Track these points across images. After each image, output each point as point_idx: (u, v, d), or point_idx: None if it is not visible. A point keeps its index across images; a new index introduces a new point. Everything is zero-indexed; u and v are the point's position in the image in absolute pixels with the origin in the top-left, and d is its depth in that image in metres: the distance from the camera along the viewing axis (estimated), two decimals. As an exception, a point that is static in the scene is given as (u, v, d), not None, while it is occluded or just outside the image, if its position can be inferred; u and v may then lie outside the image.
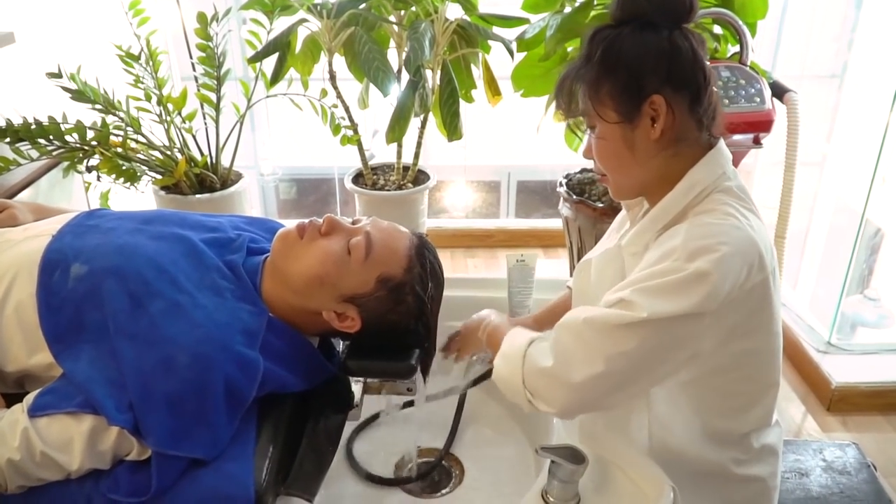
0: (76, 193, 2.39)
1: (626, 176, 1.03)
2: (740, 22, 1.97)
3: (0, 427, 0.92)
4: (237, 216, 1.28)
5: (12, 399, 0.99)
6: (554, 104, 1.09)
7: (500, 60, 2.35)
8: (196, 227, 1.15)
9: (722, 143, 1.02)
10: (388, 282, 1.09)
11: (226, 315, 1.01)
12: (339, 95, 2.38)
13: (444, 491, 1.30)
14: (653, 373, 0.96)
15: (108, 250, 1.04)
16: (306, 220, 1.11)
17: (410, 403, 1.39)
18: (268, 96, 2.43)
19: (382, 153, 2.74)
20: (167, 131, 2.38)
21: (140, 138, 2.31)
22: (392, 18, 2.34)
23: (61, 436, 0.91)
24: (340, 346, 1.27)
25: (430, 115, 2.45)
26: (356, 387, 1.21)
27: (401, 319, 1.12)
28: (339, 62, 2.39)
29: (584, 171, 2.56)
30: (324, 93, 2.36)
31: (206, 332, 0.97)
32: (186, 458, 0.93)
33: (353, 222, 1.14)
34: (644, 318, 0.89)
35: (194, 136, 2.46)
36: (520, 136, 3.22)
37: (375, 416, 1.45)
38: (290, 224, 1.15)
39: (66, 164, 2.23)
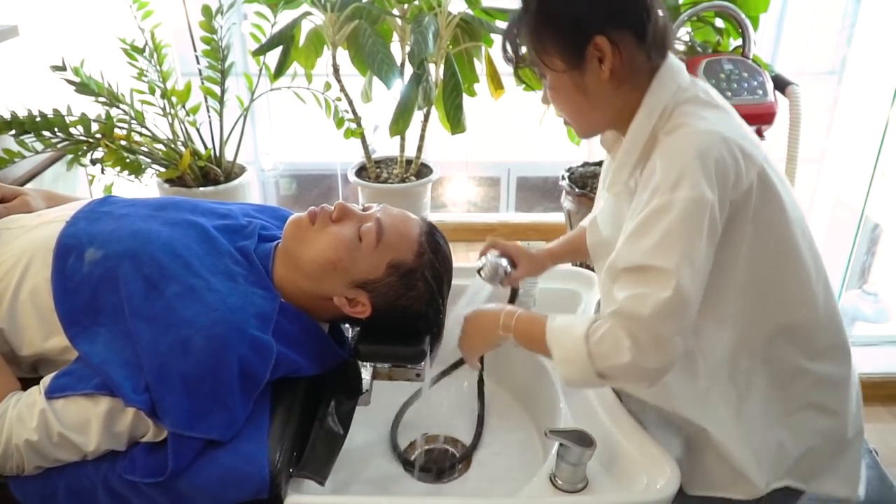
0: (80, 186, 2.40)
1: (586, 119, 1.03)
2: (743, 15, 1.99)
3: (18, 408, 0.93)
4: (247, 204, 1.29)
5: (26, 384, 1.00)
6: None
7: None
8: (208, 214, 1.16)
9: (669, 58, 0.99)
10: (398, 267, 1.10)
11: (239, 299, 1.02)
12: (342, 89, 2.39)
13: (452, 477, 1.31)
14: (704, 287, 0.94)
15: (123, 235, 1.05)
16: (318, 207, 1.12)
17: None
18: (272, 89, 2.43)
19: (384, 147, 2.76)
20: (171, 125, 2.39)
21: (144, 131, 2.31)
22: (395, 12, 2.35)
23: (78, 417, 0.92)
24: (350, 332, 1.28)
25: (433, 109, 2.46)
26: (365, 372, 1.23)
27: (411, 305, 1.13)
28: (342, 56, 2.40)
29: (585, 164, 2.58)
30: (327, 86, 2.37)
31: (221, 315, 0.98)
32: (202, 439, 0.94)
33: (364, 209, 1.15)
34: (671, 271, 0.88)
35: (198, 130, 2.47)
36: (520, 131, 3.23)
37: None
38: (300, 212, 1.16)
39: (69, 156, 2.24)
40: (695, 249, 0.89)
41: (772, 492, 1.08)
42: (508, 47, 1.03)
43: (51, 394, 0.93)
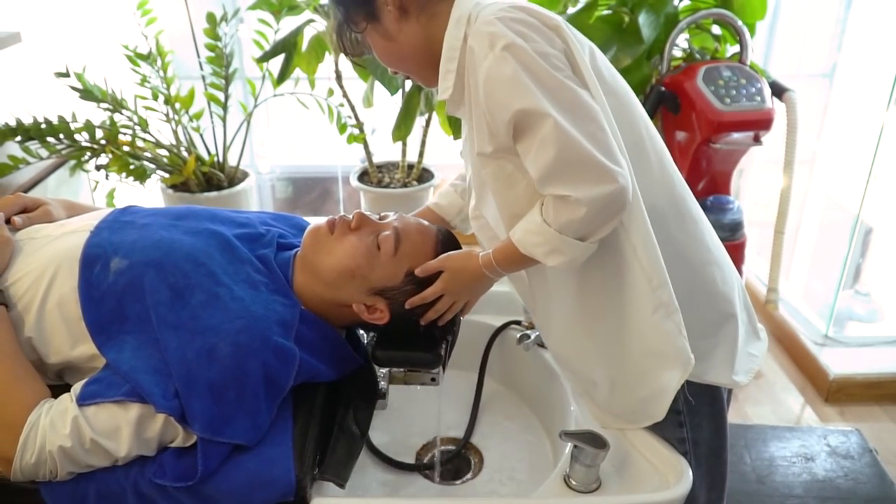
0: (83, 191, 2.41)
1: (410, 62, 1.08)
2: (740, 22, 2.03)
3: (51, 416, 0.95)
4: (264, 212, 1.31)
5: (52, 391, 1.02)
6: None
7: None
8: (227, 223, 1.18)
9: None
10: (416, 275, 1.13)
11: (262, 307, 1.04)
12: (345, 94, 2.42)
13: (465, 478, 1.34)
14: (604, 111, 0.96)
15: (147, 245, 1.07)
16: (336, 216, 1.15)
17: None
18: (275, 95, 2.45)
19: (384, 151, 2.78)
20: (174, 130, 2.40)
21: (148, 137, 2.33)
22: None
23: (109, 423, 0.94)
24: (365, 338, 1.30)
25: (433, 114, 2.49)
26: (381, 377, 1.25)
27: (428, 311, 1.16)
28: (343, 61, 2.42)
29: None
30: (330, 92, 2.40)
31: (246, 322, 1.00)
32: (230, 444, 0.97)
33: (381, 217, 1.17)
34: (538, 109, 0.90)
35: (201, 135, 2.49)
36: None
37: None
38: (317, 220, 1.18)
39: (72, 162, 2.25)
40: (547, 80, 0.91)
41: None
42: (338, 41, 1.11)
43: (82, 401, 0.95)
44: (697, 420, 1.14)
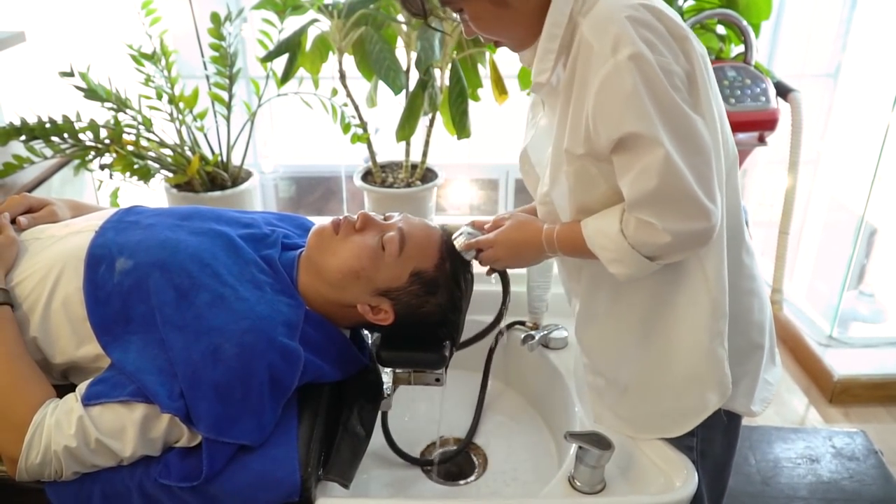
0: (87, 191, 2.41)
1: (516, 30, 1.00)
2: (745, 22, 2.02)
3: (56, 416, 0.95)
4: (268, 213, 1.31)
5: (57, 391, 1.02)
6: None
7: (507, 60, 2.39)
8: (232, 223, 1.18)
9: None
10: (420, 276, 1.13)
11: (267, 308, 1.04)
12: (349, 94, 2.41)
13: (469, 479, 1.34)
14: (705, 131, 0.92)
15: (152, 245, 1.07)
16: (341, 217, 1.15)
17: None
18: (278, 95, 2.45)
19: (387, 151, 2.77)
20: (178, 130, 2.40)
21: (152, 136, 2.33)
22: (400, 18, 2.37)
23: (114, 424, 0.94)
24: (370, 338, 1.30)
25: (437, 114, 2.48)
26: (386, 377, 1.25)
27: (433, 312, 1.16)
28: (347, 61, 2.42)
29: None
30: (334, 92, 2.39)
31: (251, 323, 1.00)
32: (235, 444, 0.97)
33: (385, 218, 1.17)
34: (652, 135, 0.87)
35: (205, 135, 2.49)
36: (521, 133, 3.25)
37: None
38: (323, 220, 1.18)
39: (76, 161, 2.25)
40: (666, 104, 0.88)
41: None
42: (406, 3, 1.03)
43: (87, 401, 0.95)
44: (711, 434, 1.14)
